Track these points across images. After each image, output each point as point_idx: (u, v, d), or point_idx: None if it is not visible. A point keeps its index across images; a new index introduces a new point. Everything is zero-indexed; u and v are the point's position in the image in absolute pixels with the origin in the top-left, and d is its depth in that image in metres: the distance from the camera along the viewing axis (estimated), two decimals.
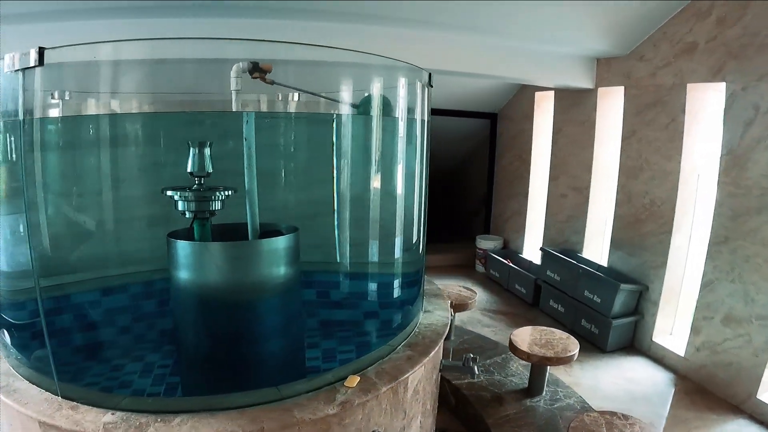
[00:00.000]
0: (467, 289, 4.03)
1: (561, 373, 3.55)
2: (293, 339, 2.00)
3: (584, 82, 4.41)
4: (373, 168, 2.13)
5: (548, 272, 4.69)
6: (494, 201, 6.36)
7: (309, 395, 1.56)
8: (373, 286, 2.33)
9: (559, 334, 3.20)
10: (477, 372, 2.15)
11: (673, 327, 3.83)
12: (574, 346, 3.03)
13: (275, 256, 1.85)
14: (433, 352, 1.93)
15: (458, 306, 3.78)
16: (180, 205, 1.84)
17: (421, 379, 1.90)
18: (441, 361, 2.20)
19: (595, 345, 4.02)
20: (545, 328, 3.32)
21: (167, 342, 2.25)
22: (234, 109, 2.00)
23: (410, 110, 2.11)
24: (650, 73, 3.81)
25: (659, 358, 3.75)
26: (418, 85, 2.11)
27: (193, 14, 2.78)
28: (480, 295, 5.35)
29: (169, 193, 1.84)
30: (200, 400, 1.51)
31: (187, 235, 1.86)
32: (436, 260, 6.36)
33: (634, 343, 3.98)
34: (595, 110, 4.44)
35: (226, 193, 1.89)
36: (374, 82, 2.02)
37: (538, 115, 5.39)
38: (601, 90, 4.39)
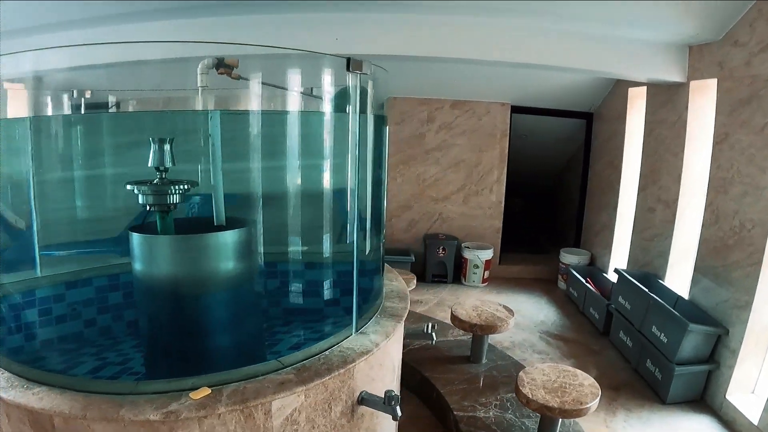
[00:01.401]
0: (506, 308, 3.65)
1: (596, 422, 3.02)
2: (229, 334, 2.05)
3: (675, 74, 3.65)
4: (287, 163, 2.05)
5: (620, 298, 4.00)
6: (586, 211, 5.62)
7: (153, 396, 1.57)
8: (282, 295, 2.23)
9: (581, 378, 2.69)
10: (435, 339, 2.02)
11: (756, 384, 2.97)
12: (591, 397, 2.52)
13: (223, 250, 1.91)
14: (317, 381, 1.73)
15: (485, 328, 3.43)
16: (140, 199, 1.93)
17: (300, 408, 1.73)
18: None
19: (656, 393, 3.33)
20: (569, 368, 2.83)
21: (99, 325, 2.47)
22: (201, 107, 2.13)
23: (338, 103, 2.00)
24: (745, 62, 3.00)
25: (729, 420, 2.94)
26: (349, 76, 1.98)
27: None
28: (549, 316, 4.80)
29: (129, 186, 1.94)
30: (65, 378, 1.66)
31: (146, 227, 1.96)
32: (518, 271, 5.89)
33: (705, 397, 3.19)
34: (687, 108, 3.64)
35: (184, 186, 1.95)
36: (290, 75, 1.97)
37: (630, 115, 4.60)
38: (693, 84, 3.58)
